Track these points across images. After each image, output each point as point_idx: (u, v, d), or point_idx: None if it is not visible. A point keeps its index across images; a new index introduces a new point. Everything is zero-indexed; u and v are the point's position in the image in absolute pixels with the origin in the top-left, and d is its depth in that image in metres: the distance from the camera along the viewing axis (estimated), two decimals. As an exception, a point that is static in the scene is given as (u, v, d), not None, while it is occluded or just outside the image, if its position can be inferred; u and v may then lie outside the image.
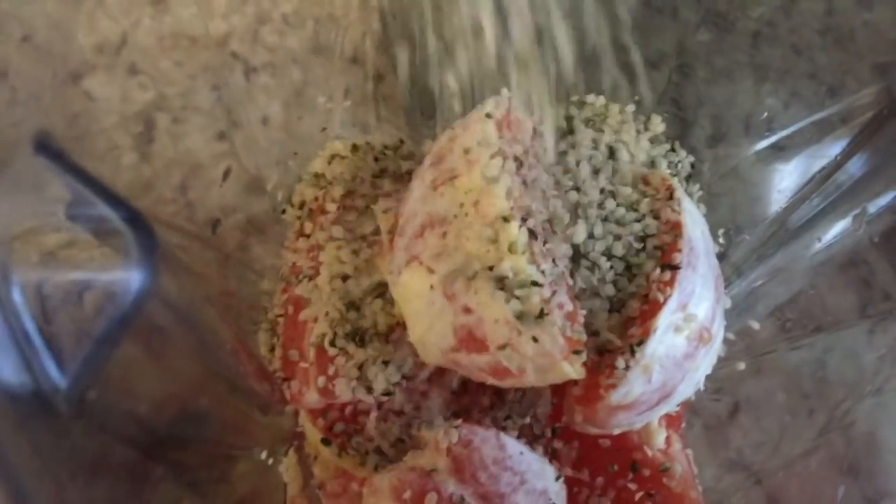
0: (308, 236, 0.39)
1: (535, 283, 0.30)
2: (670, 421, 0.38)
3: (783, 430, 0.46)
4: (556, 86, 0.54)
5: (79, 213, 0.24)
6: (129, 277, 0.23)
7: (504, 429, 0.36)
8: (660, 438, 0.38)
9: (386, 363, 0.35)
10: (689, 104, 0.52)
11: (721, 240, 0.42)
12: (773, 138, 0.49)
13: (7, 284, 0.21)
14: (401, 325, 0.34)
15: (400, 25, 0.52)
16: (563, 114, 0.42)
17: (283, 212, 0.42)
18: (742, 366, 0.40)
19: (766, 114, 0.50)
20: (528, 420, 0.39)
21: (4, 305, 0.21)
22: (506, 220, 0.30)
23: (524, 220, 0.31)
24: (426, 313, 0.32)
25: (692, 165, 0.41)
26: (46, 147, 0.23)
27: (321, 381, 0.34)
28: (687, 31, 0.53)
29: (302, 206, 0.40)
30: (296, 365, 0.36)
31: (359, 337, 0.35)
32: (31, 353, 0.21)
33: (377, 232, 0.37)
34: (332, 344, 0.34)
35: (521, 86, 0.50)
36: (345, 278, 0.36)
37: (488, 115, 0.33)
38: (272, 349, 0.39)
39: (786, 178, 0.47)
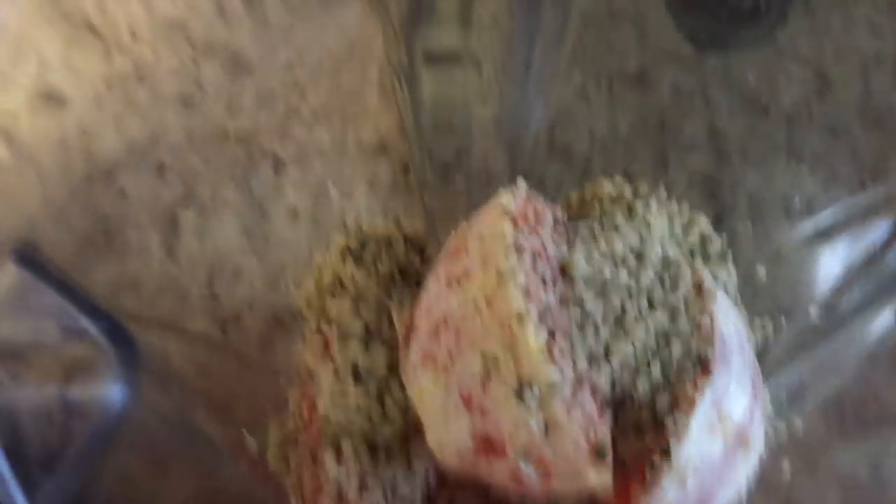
0: (322, 334, 0.38)
1: (554, 386, 0.28)
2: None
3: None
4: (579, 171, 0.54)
5: (61, 325, 0.23)
6: (109, 395, 0.22)
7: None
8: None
9: (406, 471, 0.33)
10: (724, 188, 0.51)
11: (762, 331, 0.40)
12: (814, 221, 0.47)
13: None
14: (420, 427, 0.33)
15: (426, 120, 0.52)
16: (584, 197, 0.41)
17: (294, 308, 0.41)
18: (787, 466, 0.37)
19: (805, 196, 0.48)
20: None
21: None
22: (521, 318, 0.28)
23: (542, 317, 0.29)
24: (442, 416, 0.30)
25: (727, 251, 0.39)
26: (28, 259, 0.22)
27: (334, 488, 0.33)
28: (719, 116, 0.53)
29: (313, 300, 0.39)
30: (309, 471, 0.34)
31: (377, 441, 0.33)
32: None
33: (393, 329, 0.36)
34: (349, 450, 0.33)
35: (541, 171, 0.49)
36: (359, 375, 0.34)
37: (503, 208, 0.32)
38: (281, 446, 0.37)
39: (830, 264, 0.45)
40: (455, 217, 0.50)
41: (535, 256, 0.31)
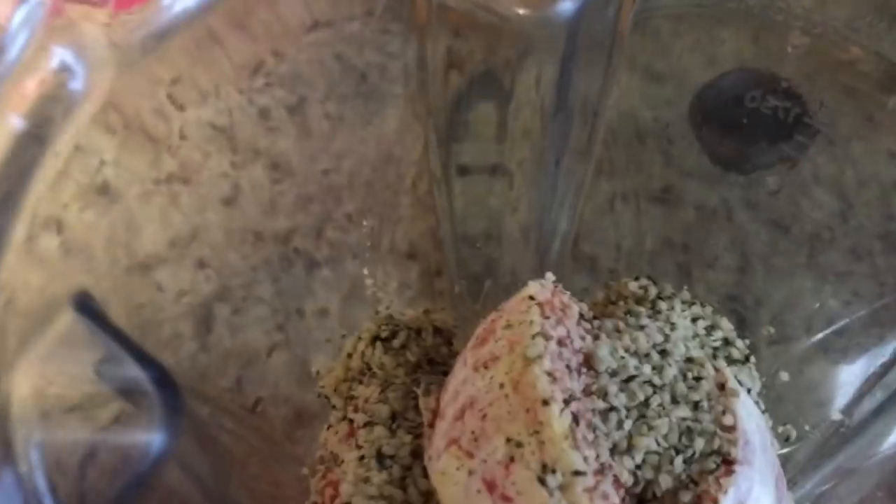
0: (349, 420, 0.38)
1: (577, 473, 0.28)
2: None
3: None
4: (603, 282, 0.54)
5: (107, 370, 0.24)
6: (151, 438, 0.22)
7: None
8: None
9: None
10: (747, 303, 0.51)
11: (786, 438, 0.40)
12: (835, 336, 0.48)
13: (26, 448, 0.21)
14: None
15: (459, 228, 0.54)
16: (609, 296, 0.41)
17: (320, 395, 0.42)
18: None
19: (826, 314, 0.49)
20: None
21: (18, 467, 0.21)
22: (546, 403, 0.29)
23: (567, 402, 0.30)
24: (464, 501, 0.31)
25: (749, 355, 0.40)
26: (85, 305, 0.24)
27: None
28: (742, 234, 0.54)
29: (341, 387, 0.40)
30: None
31: (400, 527, 0.33)
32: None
33: (419, 415, 0.36)
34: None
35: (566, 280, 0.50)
36: (383, 461, 0.35)
37: (531, 297, 0.33)
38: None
39: (848, 373, 0.45)
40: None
41: (561, 344, 0.32)
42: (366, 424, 0.36)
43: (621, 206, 0.56)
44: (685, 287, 0.50)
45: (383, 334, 0.40)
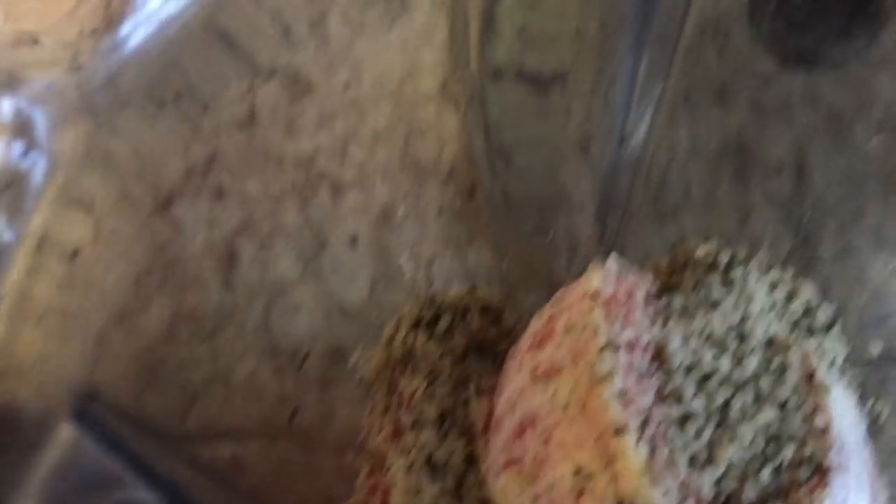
0: (394, 416, 0.35)
1: (658, 511, 0.25)
2: None
3: None
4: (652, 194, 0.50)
5: (119, 498, 0.21)
6: None
7: None
8: None
9: (484, 573, 0.31)
10: (808, 213, 0.47)
11: (875, 417, 0.37)
12: None
13: None
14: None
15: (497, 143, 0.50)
16: (675, 262, 0.37)
17: (361, 382, 0.39)
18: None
19: None
20: None
21: None
22: (620, 431, 0.26)
23: (643, 427, 0.26)
24: (529, 527, 0.28)
25: (834, 321, 0.36)
26: (90, 414, 0.20)
27: None
28: (802, 135, 0.49)
29: (383, 374, 0.37)
30: (380, 572, 0.32)
31: (454, 540, 0.31)
32: None
33: (470, 412, 0.33)
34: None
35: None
36: (435, 470, 0.32)
37: (594, 295, 0.29)
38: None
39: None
40: (532, 264, 0.48)
41: (631, 349, 0.28)
42: (413, 426, 0.33)
43: (682, 113, 0.51)
44: (741, 199, 0.46)
45: (426, 318, 0.36)
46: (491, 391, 0.32)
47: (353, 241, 0.50)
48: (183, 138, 0.50)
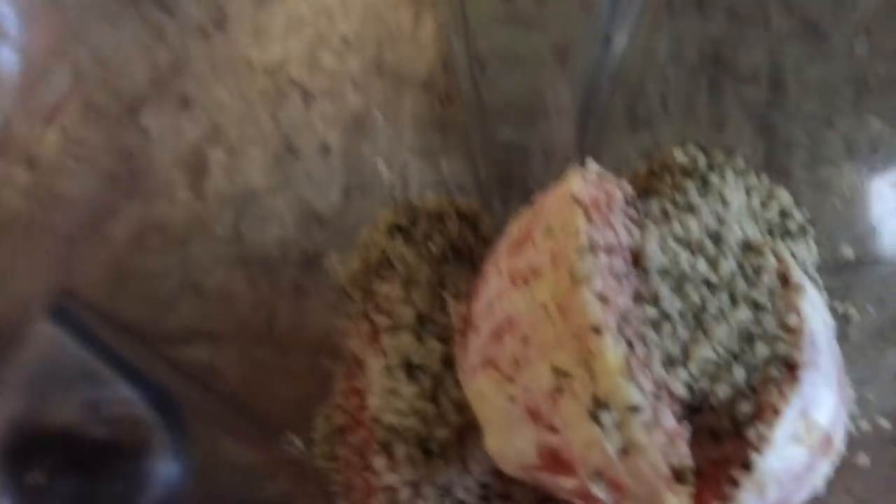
0: (371, 320, 0.35)
1: (634, 408, 0.25)
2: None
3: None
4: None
5: (100, 397, 0.21)
6: (157, 472, 0.19)
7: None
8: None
9: (461, 473, 0.31)
10: (782, 124, 0.47)
11: (845, 318, 0.37)
12: (879, 161, 0.44)
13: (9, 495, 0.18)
14: (477, 425, 0.31)
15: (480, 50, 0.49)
16: (653, 168, 0.37)
17: (338, 288, 0.38)
18: (864, 459, 0.35)
19: (869, 134, 0.45)
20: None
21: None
22: (598, 331, 0.26)
23: (621, 327, 0.26)
24: (504, 426, 0.28)
25: (808, 226, 0.36)
26: (67, 314, 0.20)
27: (386, 494, 0.31)
28: (777, 42, 0.49)
29: (359, 279, 0.37)
30: (358, 473, 0.32)
31: (430, 442, 0.31)
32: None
33: (447, 317, 0.33)
34: (402, 454, 0.31)
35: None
36: (412, 372, 0.32)
37: (573, 196, 0.29)
38: (328, 441, 0.35)
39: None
40: (509, 170, 0.47)
41: (610, 252, 0.28)
42: (390, 329, 0.33)
43: (662, 19, 0.50)
44: (716, 108, 0.46)
45: (402, 223, 0.36)
46: (468, 296, 0.32)
47: (326, 149, 0.49)
48: (147, 44, 0.48)
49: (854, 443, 0.35)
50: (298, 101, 0.49)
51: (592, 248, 0.27)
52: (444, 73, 0.50)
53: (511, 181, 0.46)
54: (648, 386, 0.27)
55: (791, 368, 0.29)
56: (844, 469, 0.38)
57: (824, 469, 0.30)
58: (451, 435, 0.31)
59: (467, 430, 0.32)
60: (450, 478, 0.31)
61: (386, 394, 0.32)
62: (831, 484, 0.36)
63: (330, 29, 0.50)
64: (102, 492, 0.20)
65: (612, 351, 0.26)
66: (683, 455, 0.27)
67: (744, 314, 0.29)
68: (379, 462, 0.31)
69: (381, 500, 0.31)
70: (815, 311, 0.30)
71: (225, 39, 0.49)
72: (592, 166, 0.31)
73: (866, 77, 0.47)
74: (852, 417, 0.34)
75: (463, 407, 0.31)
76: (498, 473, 0.34)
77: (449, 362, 0.32)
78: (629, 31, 0.46)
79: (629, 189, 0.33)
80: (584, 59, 0.48)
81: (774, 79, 0.49)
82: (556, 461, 0.27)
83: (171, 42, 0.48)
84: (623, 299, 0.28)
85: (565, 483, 0.27)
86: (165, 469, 0.19)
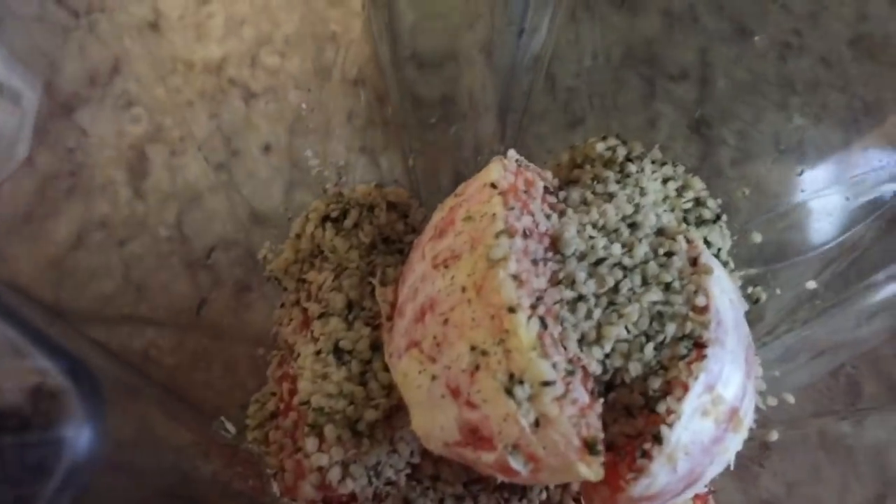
0: (303, 308, 0.36)
1: (546, 383, 0.27)
2: (696, 497, 0.35)
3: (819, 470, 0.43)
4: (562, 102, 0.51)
5: (11, 366, 0.21)
6: (73, 441, 0.20)
7: None
8: (687, 514, 0.35)
9: (390, 453, 0.32)
10: (712, 121, 0.49)
11: (755, 300, 0.39)
12: (806, 158, 0.46)
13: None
14: (405, 406, 0.32)
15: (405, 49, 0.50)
16: (575, 158, 0.38)
17: (269, 278, 0.39)
18: (775, 436, 0.37)
19: (796, 130, 0.47)
20: (543, 496, 0.36)
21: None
22: (512, 310, 0.27)
23: (534, 306, 0.28)
24: (427, 404, 0.29)
25: (721, 214, 0.38)
26: None
27: (316, 475, 0.32)
28: (707, 42, 0.50)
29: (292, 269, 0.37)
30: (289, 455, 0.33)
31: (359, 424, 0.32)
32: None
33: (376, 303, 0.34)
34: (332, 436, 0.32)
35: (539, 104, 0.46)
36: (341, 356, 0.33)
37: (493, 185, 0.30)
38: (261, 427, 0.36)
39: (828, 213, 0.43)
40: (438, 163, 0.48)
41: (526, 236, 0.29)
42: (321, 315, 0.34)
43: (583, 15, 0.51)
44: (649, 107, 0.47)
45: (333, 214, 0.37)
46: (396, 282, 0.33)
47: (267, 148, 0.49)
48: (79, 40, 0.48)
49: (765, 420, 0.37)
50: (239, 101, 0.49)
51: (509, 231, 0.28)
52: (377, 72, 0.51)
53: (440, 172, 0.47)
54: (562, 363, 0.28)
55: (698, 346, 0.30)
56: (765, 451, 0.39)
57: (734, 444, 0.32)
58: (380, 416, 0.32)
59: (395, 412, 0.32)
60: (379, 458, 0.32)
61: (316, 378, 0.33)
62: (760, 468, 0.38)
63: (271, 29, 0.51)
64: (14, 460, 0.21)
65: (524, 329, 0.27)
66: (594, 427, 0.28)
67: (655, 295, 0.31)
68: (310, 444, 0.31)
69: (311, 481, 0.32)
70: (723, 292, 0.32)
71: (164, 38, 0.49)
72: (512, 155, 0.32)
73: (793, 77, 0.48)
74: (761, 394, 0.36)
75: (391, 389, 0.32)
76: (427, 455, 0.35)
77: (377, 347, 0.33)
78: (548, 26, 0.47)
79: (550, 178, 0.34)
80: (504, 52, 0.49)
81: (704, 78, 0.50)
82: (476, 437, 0.28)
83: (106, 40, 0.48)
84: (539, 281, 0.29)
85: (486, 457, 0.28)
86: (82, 439, 0.20)
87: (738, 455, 0.32)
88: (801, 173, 0.45)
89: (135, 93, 0.48)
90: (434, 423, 0.29)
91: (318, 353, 0.33)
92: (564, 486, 0.37)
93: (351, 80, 0.51)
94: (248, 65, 0.50)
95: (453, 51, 0.50)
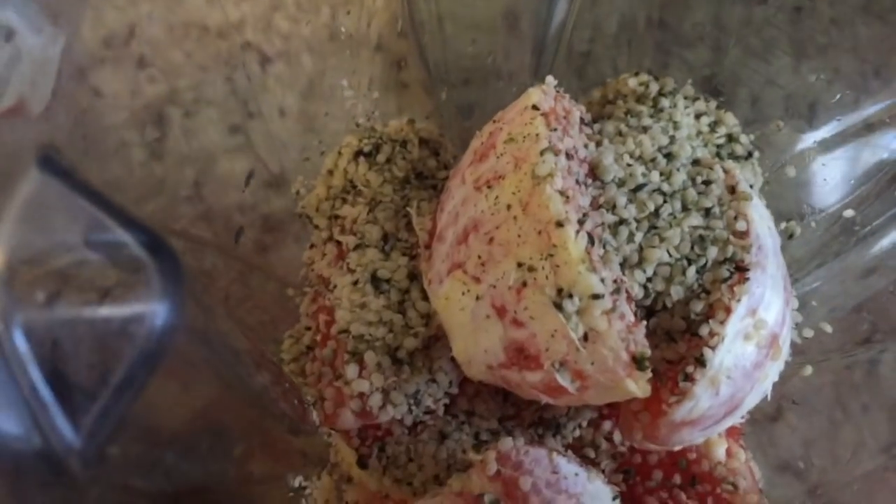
0: (337, 241, 0.36)
1: (595, 296, 0.27)
2: (730, 431, 0.35)
3: (836, 428, 0.43)
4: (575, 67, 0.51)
5: (95, 239, 0.21)
6: (153, 313, 0.20)
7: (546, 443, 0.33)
8: (720, 451, 0.35)
9: (429, 382, 0.32)
10: (725, 84, 0.49)
11: (789, 235, 0.39)
12: (816, 120, 0.46)
13: (8, 327, 0.18)
14: (443, 336, 0.32)
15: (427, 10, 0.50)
16: (607, 95, 0.38)
17: (301, 215, 0.39)
18: (809, 370, 0.37)
19: (807, 94, 0.47)
20: (577, 433, 0.36)
21: (5, 352, 0.18)
22: (560, 224, 0.27)
23: (581, 222, 0.28)
24: (471, 327, 0.29)
25: (753, 151, 0.38)
26: (53, 164, 0.20)
27: (357, 401, 0.32)
28: (722, 6, 0.50)
29: (323, 206, 0.37)
30: (329, 383, 0.33)
31: (399, 351, 0.32)
32: (38, 408, 0.18)
33: (412, 235, 0.34)
34: (372, 362, 0.31)
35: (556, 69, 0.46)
36: (379, 285, 0.33)
37: (535, 107, 0.30)
38: (297, 360, 0.36)
39: (839, 168, 0.43)
40: (464, 128, 0.48)
41: (569, 157, 0.29)
42: (356, 247, 0.34)
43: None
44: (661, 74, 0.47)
45: (366, 148, 0.36)
46: (431, 214, 0.33)
47: (282, 112, 0.49)
48: (94, 4, 0.48)
49: (798, 352, 0.36)
50: (254, 64, 0.49)
51: (553, 150, 0.28)
52: (396, 38, 0.51)
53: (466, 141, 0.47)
54: (609, 279, 0.28)
55: (740, 269, 0.30)
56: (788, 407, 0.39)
57: (773, 371, 0.32)
58: (419, 345, 0.32)
59: (433, 342, 0.32)
60: (418, 387, 0.32)
61: (354, 307, 0.32)
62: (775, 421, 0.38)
63: (284, -7, 0.50)
64: (99, 321, 0.21)
65: (573, 242, 0.27)
66: (641, 343, 0.28)
67: (695, 220, 0.31)
68: (350, 370, 0.31)
69: (352, 408, 0.32)
70: (761, 218, 0.32)
71: (178, 2, 0.49)
72: (551, 81, 0.32)
73: (804, 40, 0.48)
74: (797, 325, 0.36)
75: (429, 318, 0.32)
76: (462, 390, 0.35)
77: (414, 276, 0.33)
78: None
79: (583, 110, 0.34)
80: (533, 23, 0.49)
81: (716, 42, 0.50)
82: (521, 355, 0.28)
83: (121, 4, 0.48)
84: (583, 200, 0.29)
85: (531, 377, 0.28)
86: (162, 311, 0.19)
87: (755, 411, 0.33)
88: (810, 133, 0.45)
89: (150, 55, 0.48)
90: (478, 345, 0.29)
91: (356, 283, 0.33)
92: (596, 426, 0.37)
93: (367, 46, 0.51)
94: (263, 28, 0.50)
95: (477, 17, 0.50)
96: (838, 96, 0.47)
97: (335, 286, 0.34)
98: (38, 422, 0.18)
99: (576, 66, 0.52)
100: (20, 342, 0.19)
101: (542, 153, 0.28)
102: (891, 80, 0.47)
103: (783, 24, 0.48)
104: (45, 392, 0.19)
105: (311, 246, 0.38)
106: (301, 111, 0.50)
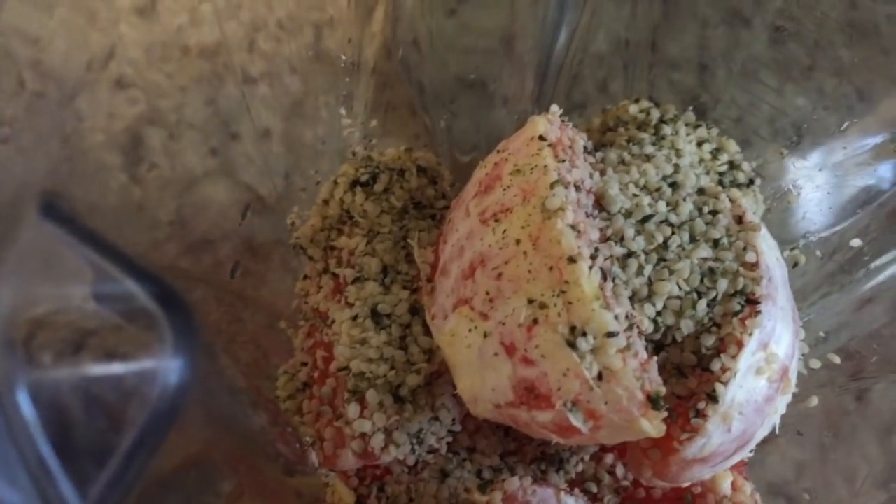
0: (333, 274, 0.35)
1: (610, 334, 0.26)
2: (736, 463, 0.35)
3: (826, 453, 0.43)
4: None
5: (102, 291, 0.20)
6: (166, 370, 0.18)
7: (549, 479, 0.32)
8: (726, 484, 0.34)
9: (432, 418, 0.31)
10: (710, 107, 0.49)
11: (794, 264, 0.39)
12: (803, 144, 0.46)
13: (11, 391, 0.17)
14: (445, 372, 0.31)
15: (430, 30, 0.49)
16: (607, 122, 0.38)
17: (295, 246, 0.38)
18: (815, 402, 0.36)
19: (792, 116, 0.47)
20: (579, 468, 0.35)
21: (10, 418, 0.17)
22: (573, 260, 0.26)
23: (593, 257, 0.27)
24: (478, 364, 0.28)
25: (755, 178, 0.37)
26: (55, 211, 0.19)
27: (358, 442, 0.30)
28: (705, 27, 0.50)
29: (318, 237, 0.36)
30: (329, 423, 0.32)
31: (401, 389, 0.31)
32: (43, 478, 0.17)
33: (412, 267, 0.33)
34: (374, 401, 0.30)
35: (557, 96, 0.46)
36: (380, 320, 0.32)
37: (542, 137, 0.29)
38: (293, 398, 0.34)
39: (825, 197, 0.43)
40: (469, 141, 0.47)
41: (577, 190, 0.29)
42: (355, 280, 0.33)
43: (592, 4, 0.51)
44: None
45: (363, 178, 0.35)
46: (432, 245, 0.32)
47: (266, 133, 0.48)
48: (79, 28, 0.47)
49: (805, 384, 0.36)
50: (235, 85, 0.48)
51: (563, 182, 0.28)
52: (382, 59, 0.50)
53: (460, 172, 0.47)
54: (623, 315, 0.27)
55: (751, 302, 0.30)
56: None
57: (782, 405, 0.31)
58: (422, 381, 0.31)
59: (435, 379, 0.31)
60: (421, 425, 0.31)
61: (354, 343, 0.31)
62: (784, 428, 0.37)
63: (267, 13, 0.49)
64: (109, 382, 0.19)
65: (586, 279, 0.26)
66: (655, 381, 0.27)
67: (705, 251, 0.30)
68: (351, 410, 0.30)
69: (354, 448, 0.30)
70: (769, 249, 0.31)
71: (159, 22, 0.48)
72: (555, 110, 0.31)
73: (788, 62, 0.48)
74: (803, 356, 0.35)
75: (431, 354, 0.31)
76: (464, 426, 0.34)
77: (416, 311, 0.32)
78: (570, 20, 0.47)
79: (587, 139, 0.33)
80: (534, 48, 0.48)
81: (702, 64, 0.50)
82: (531, 395, 0.27)
83: (103, 25, 0.47)
84: (593, 234, 0.28)
85: (541, 417, 0.27)
86: (176, 368, 0.18)
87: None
88: (797, 157, 0.45)
89: (129, 75, 0.47)
90: (485, 383, 0.28)
91: (356, 318, 0.32)
92: (598, 459, 0.36)
93: (349, 66, 0.50)
94: (245, 49, 0.49)
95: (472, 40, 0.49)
96: (824, 119, 0.47)
97: (333, 321, 0.33)
98: (42, 493, 0.17)
99: (563, 88, 0.52)
100: (25, 407, 0.18)
101: (551, 186, 0.27)
102: (872, 98, 0.47)
103: (766, 47, 0.48)
104: (51, 461, 0.17)
105: (305, 277, 0.37)
106: (284, 133, 0.49)
